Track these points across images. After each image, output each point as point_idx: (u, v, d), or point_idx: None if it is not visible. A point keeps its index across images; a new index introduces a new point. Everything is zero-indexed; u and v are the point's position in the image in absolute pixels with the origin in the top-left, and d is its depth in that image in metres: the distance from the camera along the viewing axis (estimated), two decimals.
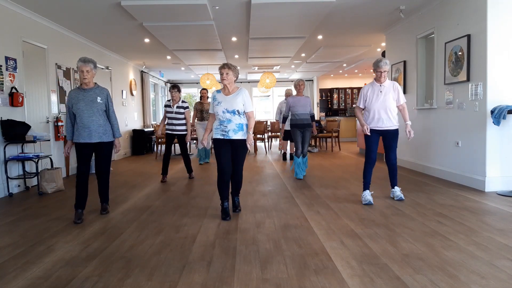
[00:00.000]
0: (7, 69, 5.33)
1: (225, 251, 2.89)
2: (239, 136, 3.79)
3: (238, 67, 12.41)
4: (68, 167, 6.93)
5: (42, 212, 4.24)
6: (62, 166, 6.77)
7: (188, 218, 3.86)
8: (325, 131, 10.80)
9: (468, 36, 5.00)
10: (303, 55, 10.50)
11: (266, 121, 12.11)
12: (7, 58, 5.34)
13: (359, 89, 16.12)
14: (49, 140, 6.14)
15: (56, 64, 6.76)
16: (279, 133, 9.07)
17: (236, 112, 3.77)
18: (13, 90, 5.43)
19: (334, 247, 2.90)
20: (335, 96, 16.27)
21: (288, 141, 8.50)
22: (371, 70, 4.40)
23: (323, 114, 15.16)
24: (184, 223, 3.67)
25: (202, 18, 6.40)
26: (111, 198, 4.83)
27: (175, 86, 6.16)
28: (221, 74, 3.80)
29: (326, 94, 16.42)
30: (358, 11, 6.37)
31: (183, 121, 6.17)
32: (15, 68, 5.51)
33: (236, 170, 3.92)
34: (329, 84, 16.38)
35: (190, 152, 10.75)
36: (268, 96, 17.16)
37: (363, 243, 2.98)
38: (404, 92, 6.98)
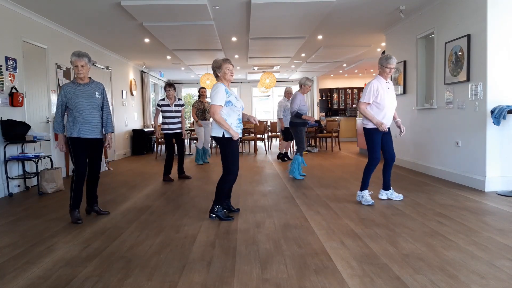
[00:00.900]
0: (7, 69, 5.34)
1: (225, 251, 2.89)
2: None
3: (238, 67, 12.44)
4: (68, 167, 6.92)
5: (42, 212, 4.24)
6: (62, 166, 6.77)
7: (188, 218, 3.86)
8: (325, 131, 10.79)
9: (468, 36, 5.00)
10: (303, 55, 10.51)
11: (266, 121, 12.12)
12: (7, 58, 5.35)
13: (359, 89, 16.12)
14: (49, 140, 6.14)
15: (56, 64, 6.76)
16: (279, 133, 9.05)
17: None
18: (13, 90, 5.43)
19: (334, 247, 2.90)
20: (335, 96, 16.27)
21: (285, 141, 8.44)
22: (379, 66, 4.25)
23: (323, 114, 15.14)
24: (184, 223, 3.67)
25: (202, 18, 6.40)
26: (111, 198, 4.86)
27: (171, 85, 6.02)
28: (229, 69, 3.66)
29: (326, 94, 16.42)
30: (358, 11, 6.37)
31: (179, 119, 6.09)
32: (15, 68, 5.51)
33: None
34: (329, 84, 16.38)
35: (190, 152, 10.76)
36: (268, 96, 17.16)
37: (363, 243, 2.98)
38: (404, 92, 6.99)
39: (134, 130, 10.88)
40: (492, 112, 4.62)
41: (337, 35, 8.20)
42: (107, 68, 9.16)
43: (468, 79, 5.04)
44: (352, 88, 16.20)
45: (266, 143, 11.27)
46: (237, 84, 16.16)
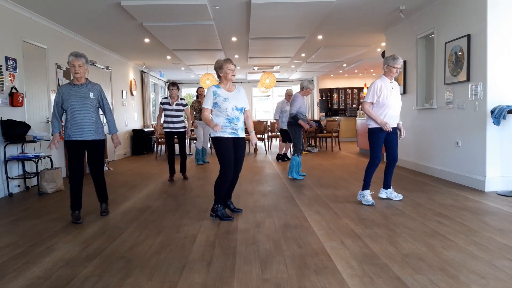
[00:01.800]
0: (7, 69, 5.34)
1: (225, 251, 2.89)
2: (243, 134, 3.83)
3: (238, 67, 12.44)
4: (68, 167, 6.92)
5: (42, 212, 4.24)
6: (62, 166, 6.77)
7: (188, 218, 3.86)
8: (325, 131, 10.79)
9: (468, 36, 5.00)
10: (303, 55, 10.51)
11: (266, 121, 12.12)
12: (7, 58, 5.35)
13: (359, 89, 16.12)
14: (49, 140, 6.13)
15: (56, 64, 6.76)
16: (279, 133, 9.05)
17: (243, 110, 3.81)
18: (13, 90, 5.43)
19: (334, 247, 2.90)
20: (335, 96, 16.27)
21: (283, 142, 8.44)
22: (385, 66, 4.21)
23: (323, 114, 15.15)
24: (184, 223, 3.67)
25: (202, 18, 6.40)
26: (111, 198, 4.84)
27: (174, 84, 6.04)
28: (230, 69, 3.72)
29: (326, 94, 16.43)
30: (358, 11, 6.37)
31: (182, 119, 6.11)
32: (15, 68, 5.51)
33: (237, 170, 3.86)
34: (329, 84, 16.39)
35: (190, 152, 10.75)
36: (268, 96, 17.17)
37: (363, 243, 2.98)
38: (404, 92, 6.99)
39: (134, 130, 10.88)
40: (492, 112, 4.62)
41: (337, 35, 8.20)
42: (107, 68, 9.16)
43: (468, 79, 5.04)
44: (352, 88, 16.21)
45: (266, 143, 11.27)
46: (237, 84, 16.12)
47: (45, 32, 6.42)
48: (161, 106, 6.07)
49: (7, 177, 5.23)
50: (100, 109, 3.95)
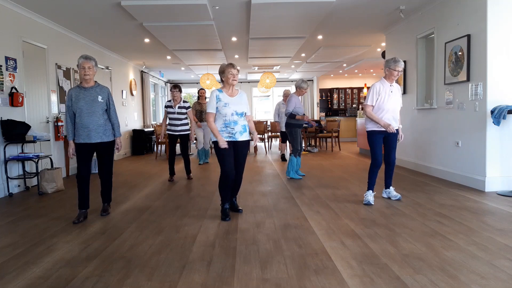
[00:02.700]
0: (7, 69, 5.34)
1: (225, 251, 2.89)
2: (244, 137, 3.83)
3: (238, 67, 12.43)
4: (68, 167, 6.93)
5: (42, 212, 4.24)
6: (62, 166, 6.77)
7: (188, 218, 3.86)
8: (325, 131, 10.79)
9: (468, 36, 5.00)
10: (303, 55, 10.51)
11: (266, 121, 12.12)
12: (7, 58, 5.35)
13: (359, 89, 16.13)
14: (49, 140, 6.14)
15: (56, 64, 6.76)
16: (279, 134, 9.05)
17: (244, 115, 3.84)
18: (13, 90, 5.43)
19: (334, 247, 2.90)
20: (335, 96, 16.27)
21: (282, 142, 8.45)
22: (386, 69, 4.22)
23: (323, 114, 15.15)
24: (184, 223, 3.67)
25: (202, 18, 6.40)
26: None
27: (176, 86, 6.09)
28: (232, 74, 3.75)
29: (326, 94, 16.43)
30: (358, 11, 6.37)
31: (185, 121, 6.14)
32: (15, 68, 5.51)
33: (239, 171, 3.90)
34: (329, 84, 16.39)
35: (190, 152, 10.75)
36: (268, 96, 17.17)
37: (363, 243, 2.98)
38: (404, 92, 6.99)
39: (134, 130, 10.88)
40: (492, 112, 4.62)
41: (337, 35, 8.20)
42: (107, 68, 9.17)
43: (468, 79, 5.04)
44: (352, 88, 16.21)
45: (266, 143, 11.27)
46: (237, 84, 16.15)
47: (45, 32, 6.42)
48: (166, 109, 6.16)
49: (7, 177, 5.23)
50: (106, 112, 3.98)
